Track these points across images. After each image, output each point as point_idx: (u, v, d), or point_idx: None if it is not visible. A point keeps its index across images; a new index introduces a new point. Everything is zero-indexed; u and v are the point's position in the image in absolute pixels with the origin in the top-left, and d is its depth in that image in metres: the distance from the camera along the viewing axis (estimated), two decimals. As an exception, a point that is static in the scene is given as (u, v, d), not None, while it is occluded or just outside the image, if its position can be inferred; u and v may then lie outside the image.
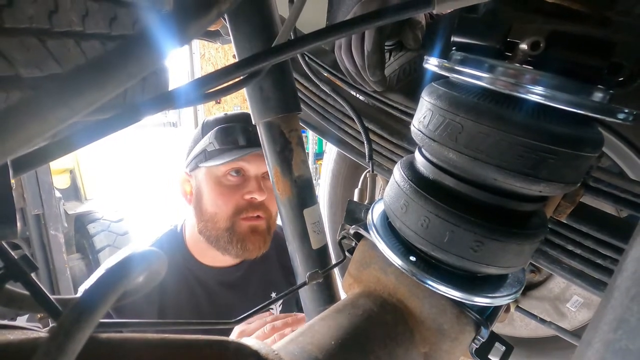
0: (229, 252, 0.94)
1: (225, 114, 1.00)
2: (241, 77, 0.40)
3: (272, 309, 1.07)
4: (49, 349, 0.12)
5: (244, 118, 0.97)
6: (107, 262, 1.02)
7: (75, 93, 0.12)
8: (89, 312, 0.13)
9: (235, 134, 0.91)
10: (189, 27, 0.14)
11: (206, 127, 0.97)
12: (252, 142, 0.92)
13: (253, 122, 0.62)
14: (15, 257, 0.21)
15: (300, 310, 1.15)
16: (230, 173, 0.93)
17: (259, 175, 0.95)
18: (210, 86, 0.33)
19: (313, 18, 0.90)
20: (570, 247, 0.56)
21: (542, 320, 0.82)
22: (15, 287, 0.24)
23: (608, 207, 0.74)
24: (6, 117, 0.12)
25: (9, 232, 0.19)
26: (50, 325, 0.26)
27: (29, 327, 0.24)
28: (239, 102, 6.20)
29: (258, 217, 0.95)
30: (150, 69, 0.14)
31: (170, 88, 0.50)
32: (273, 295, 1.08)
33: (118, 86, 0.13)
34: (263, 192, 0.93)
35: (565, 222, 0.55)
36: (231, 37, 0.55)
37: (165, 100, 0.31)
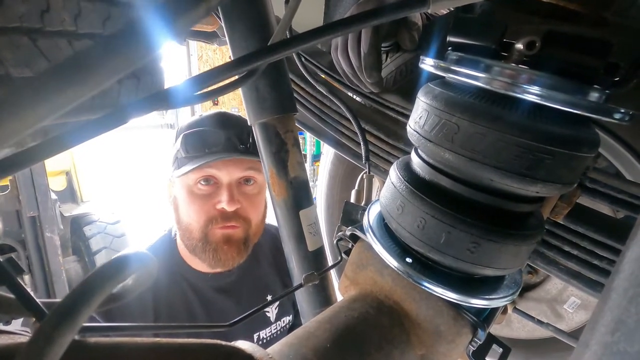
0: (204, 261, 0.91)
1: (201, 115, 0.95)
2: (237, 77, 0.40)
3: (267, 312, 1.07)
4: (29, 353, 0.12)
5: (216, 120, 0.91)
6: None
7: (54, 89, 0.12)
8: (71, 315, 0.13)
9: (201, 140, 0.85)
10: (177, 22, 0.14)
11: (178, 132, 0.92)
12: (224, 147, 0.86)
13: (249, 123, 0.61)
14: (1, 260, 0.20)
15: (296, 312, 1.14)
16: (200, 182, 0.87)
17: (232, 182, 0.89)
18: (205, 86, 0.33)
19: (309, 19, 0.89)
20: (567, 248, 0.56)
21: (540, 322, 0.82)
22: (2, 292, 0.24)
23: (605, 208, 0.74)
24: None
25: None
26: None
27: (17, 332, 0.23)
28: (236, 103, 6.19)
29: (233, 226, 0.90)
30: (136, 65, 0.14)
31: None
32: (268, 298, 1.07)
33: (101, 82, 0.13)
34: (234, 202, 0.87)
35: (562, 223, 0.55)
36: (226, 37, 0.54)
37: (158, 99, 0.30)
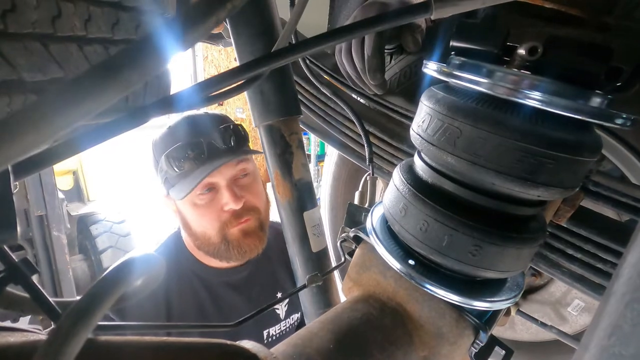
0: (230, 259, 0.94)
1: (169, 127, 0.91)
2: (242, 81, 0.41)
3: (277, 309, 1.08)
4: (47, 351, 0.13)
5: (190, 129, 0.88)
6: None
7: (76, 100, 0.12)
8: (87, 314, 0.14)
9: (184, 154, 0.83)
10: (189, 35, 0.15)
11: (156, 150, 0.90)
12: (210, 153, 0.84)
13: (254, 125, 0.62)
14: (16, 260, 0.21)
15: (304, 311, 1.15)
16: (200, 192, 0.88)
17: (229, 181, 0.89)
18: (212, 90, 0.34)
19: (314, 20, 0.90)
20: (570, 251, 0.56)
21: (543, 324, 0.82)
22: (15, 290, 0.25)
23: (610, 211, 0.74)
24: (8, 124, 0.12)
25: (8, 236, 0.20)
26: (51, 327, 0.27)
27: (30, 330, 0.24)
28: (241, 104, 6.21)
29: (246, 220, 0.92)
30: (151, 75, 0.14)
31: (172, 89, 0.51)
32: (279, 295, 1.08)
33: (119, 92, 0.13)
34: (239, 199, 0.88)
35: (565, 226, 0.55)
36: (232, 41, 0.55)
37: (168, 104, 0.31)
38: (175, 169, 0.84)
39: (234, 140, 0.87)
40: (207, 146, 0.84)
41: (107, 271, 0.16)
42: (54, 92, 0.13)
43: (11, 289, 0.23)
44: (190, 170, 0.84)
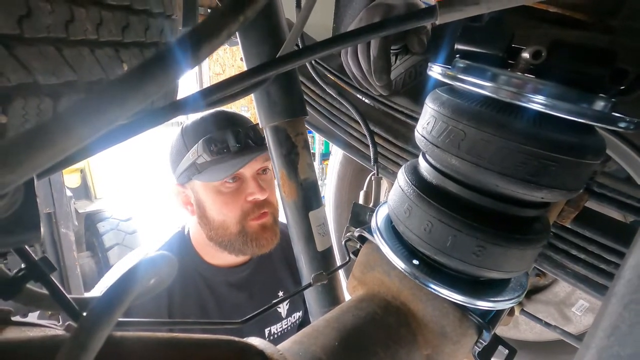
0: (245, 252, 0.97)
1: (202, 117, 0.95)
2: (248, 85, 0.41)
3: (279, 307, 1.09)
4: (73, 346, 0.13)
5: (224, 119, 0.93)
6: (119, 265, 1.04)
7: (98, 112, 0.13)
8: (109, 312, 0.15)
9: (222, 142, 0.88)
10: (202, 49, 0.15)
11: (187, 136, 0.93)
12: (244, 145, 0.89)
13: (260, 126, 0.63)
14: (36, 259, 0.22)
15: (307, 309, 1.16)
16: (227, 181, 0.91)
17: (254, 174, 0.95)
18: (220, 94, 0.35)
19: (319, 21, 0.90)
20: (574, 252, 0.56)
21: (547, 324, 0.82)
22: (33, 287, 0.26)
23: (615, 213, 0.73)
24: (37, 135, 0.13)
25: (33, 237, 0.21)
26: (61, 322, 0.28)
27: (47, 325, 0.25)
28: (245, 102, 6.23)
29: (264, 213, 0.96)
30: (165, 89, 0.15)
31: (179, 90, 0.52)
32: (280, 294, 1.09)
33: (136, 105, 0.14)
34: (264, 190, 0.94)
35: (569, 227, 0.55)
36: (239, 43, 0.56)
37: (177, 107, 0.32)
38: (212, 154, 0.87)
39: (261, 139, 0.92)
40: (243, 137, 0.89)
41: (125, 270, 0.16)
42: (77, 107, 0.14)
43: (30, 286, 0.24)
44: (227, 157, 0.88)
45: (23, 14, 0.35)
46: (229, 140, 0.88)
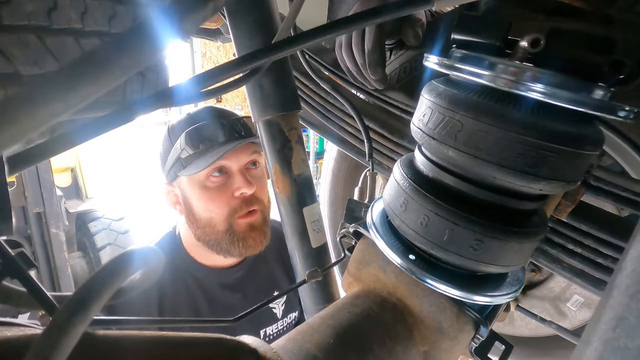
0: (232, 253, 0.92)
1: (189, 113, 0.94)
2: (241, 75, 0.40)
3: (274, 308, 1.07)
4: (43, 344, 0.12)
5: (210, 113, 0.92)
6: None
7: (68, 87, 0.12)
8: (83, 308, 0.13)
9: (205, 134, 0.85)
10: (185, 21, 0.14)
11: (173, 133, 0.92)
12: (227, 135, 0.86)
13: (253, 120, 0.61)
14: (13, 254, 0.21)
15: (302, 309, 1.15)
16: (212, 175, 0.88)
17: (242, 167, 0.91)
18: (209, 83, 0.33)
19: (313, 17, 0.89)
20: (570, 246, 0.56)
21: (543, 320, 0.82)
22: (12, 284, 0.24)
23: (610, 206, 0.74)
24: (3, 109, 0.11)
25: (3, 227, 0.19)
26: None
27: (27, 325, 0.24)
28: (240, 100, 6.20)
29: (253, 211, 0.92)
30: (145, 63, 0.14)
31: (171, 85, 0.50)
32: (275, 293, 1.07)
33: (112, 80, 0.13)
34: (251, 185, 0.89)
35: (565, 221, 0.55)
36: (231, 35, 0.55)
37: (163, 97, 0.31)
38: (194, 146, 0.85)
39: (249, 130, 0.90)
40: (227, 128, 0.86)
41: (105, 263, 0.15)
42: (48, 79, 0.13)
43: (7, 283, 0.23)
44: (208, 149, 0.85)
45: (2, 1, 0.33)
46: (212, 131, 0.85)
